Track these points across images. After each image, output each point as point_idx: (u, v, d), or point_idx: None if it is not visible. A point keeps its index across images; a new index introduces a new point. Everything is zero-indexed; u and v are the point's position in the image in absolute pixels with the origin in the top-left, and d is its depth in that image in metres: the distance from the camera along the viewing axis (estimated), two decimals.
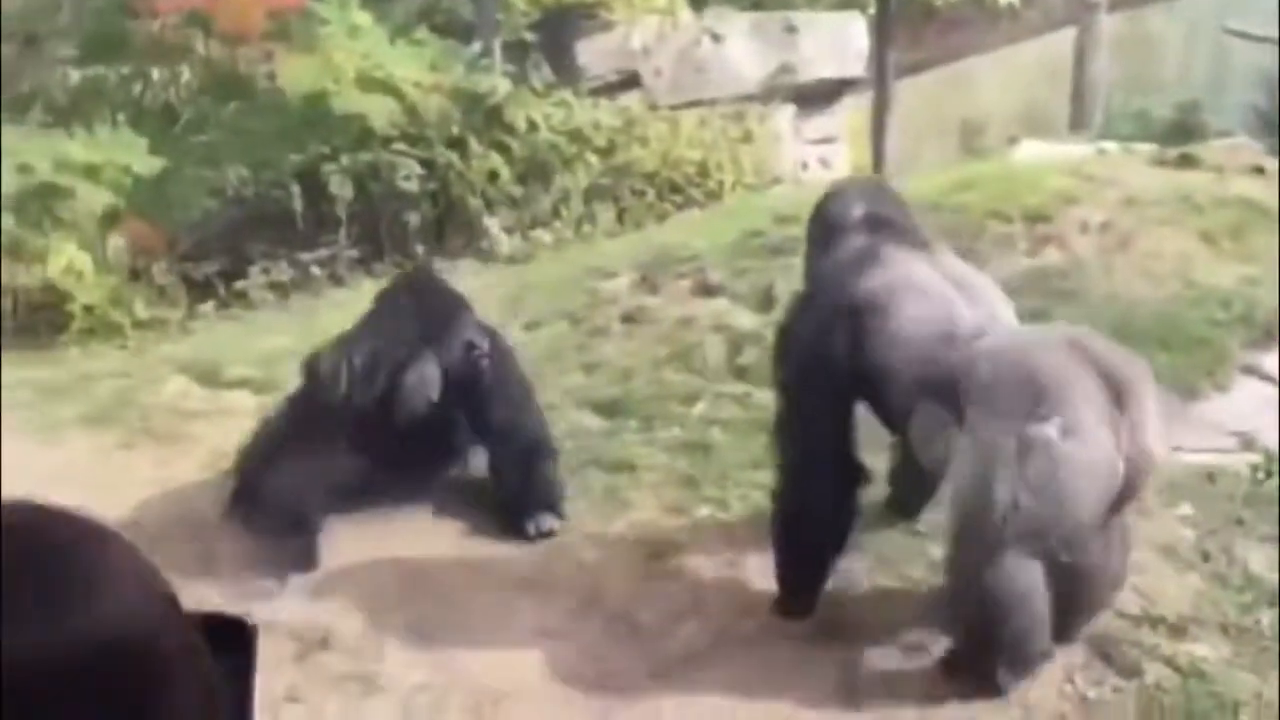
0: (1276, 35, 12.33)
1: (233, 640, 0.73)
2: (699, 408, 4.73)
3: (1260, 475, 3.70)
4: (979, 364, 2.90)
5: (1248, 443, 3.84)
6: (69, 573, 0.65)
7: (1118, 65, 14.42)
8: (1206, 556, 3.33)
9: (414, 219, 7.99)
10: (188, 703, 0.67)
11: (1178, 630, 2.98)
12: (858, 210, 3.33)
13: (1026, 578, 2.73)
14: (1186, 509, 3.54)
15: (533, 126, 8.30)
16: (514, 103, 8.26)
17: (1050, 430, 2.72)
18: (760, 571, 3.44)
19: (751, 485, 4.02)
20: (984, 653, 2.80)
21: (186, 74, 7.47)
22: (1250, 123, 9.49)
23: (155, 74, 7.43)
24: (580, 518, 3.99)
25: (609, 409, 4.83)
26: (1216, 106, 12.24)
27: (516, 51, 8.75)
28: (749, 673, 3.10)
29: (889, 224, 3.28)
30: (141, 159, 6.37)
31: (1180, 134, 11.13)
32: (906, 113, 12.69)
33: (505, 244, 7.98)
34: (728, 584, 3.50)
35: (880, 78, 11.52)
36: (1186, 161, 5.92)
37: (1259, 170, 5.87)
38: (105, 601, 0.65)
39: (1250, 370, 4.30)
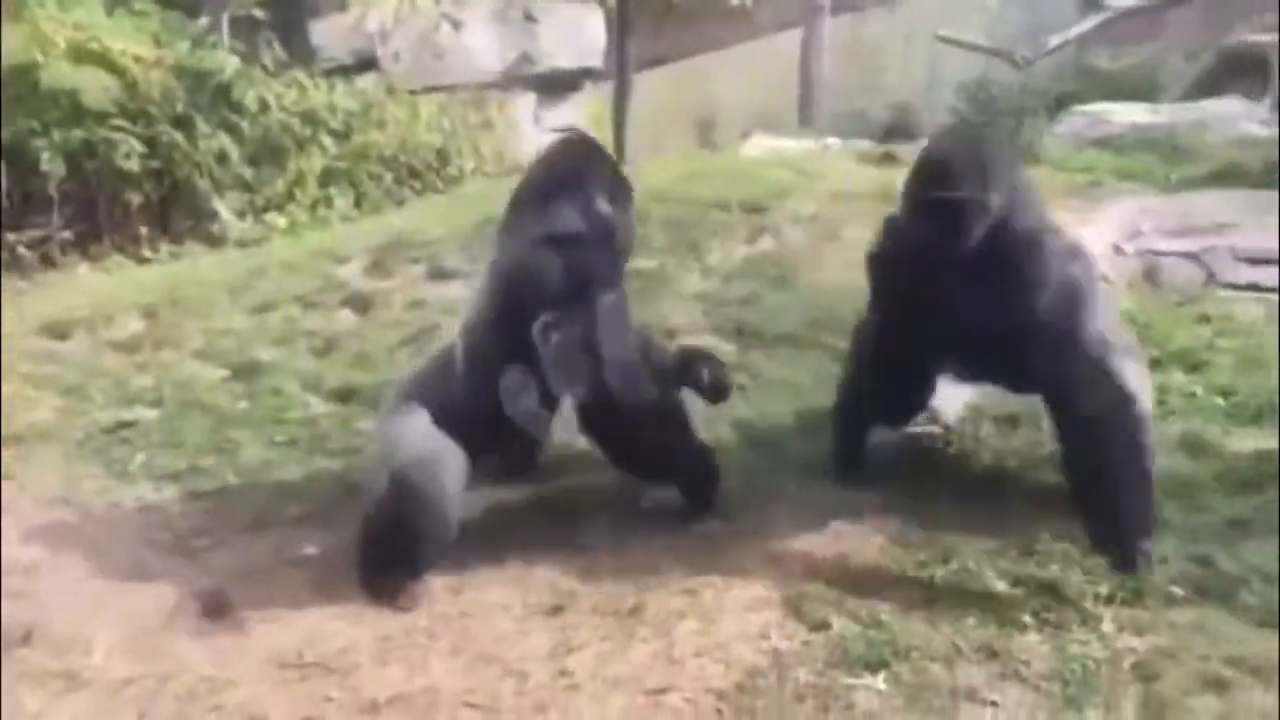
0: (984, 44, 13.39)
1: None
2: None
3: (941, 444, 4.10)
4: None
5: (932, 417, 4.23)
6: None
7: (842, 66, 15.27)
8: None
9: (135, 199, 7.64)
10: None
11: (862, 586, 3.28)
12: None
13: None
14: None
15: (264, 107, 8.08)
16: (244, 81, 8.02)
17: None
18: None
19: None
20: None
21: None
22: None
23: None
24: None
25: (341, 394, 4.81)
26: (929, 108, 13.13)
27: (246, 28, 8.47)
28: None
29: None
30: None
31: (895, 133, 11.92)
32: (646, 105, 13.02)
33: (235, 227, 7.75)
34: None
35: (621, 69, 11.76)
36: (889, 159, 6.42)
37: None
38: None
39: None
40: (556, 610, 3.23)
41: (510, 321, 3.47)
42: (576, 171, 3.57)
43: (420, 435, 3.46)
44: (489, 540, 3.61)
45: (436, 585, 3.40)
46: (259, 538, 3.74)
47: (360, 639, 3.17)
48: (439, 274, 5.76)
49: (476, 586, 3.40)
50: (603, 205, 3.54)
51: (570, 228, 3.48)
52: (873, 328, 3.72)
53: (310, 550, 3.65)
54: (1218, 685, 2.77)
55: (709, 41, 15.08)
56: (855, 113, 13.82)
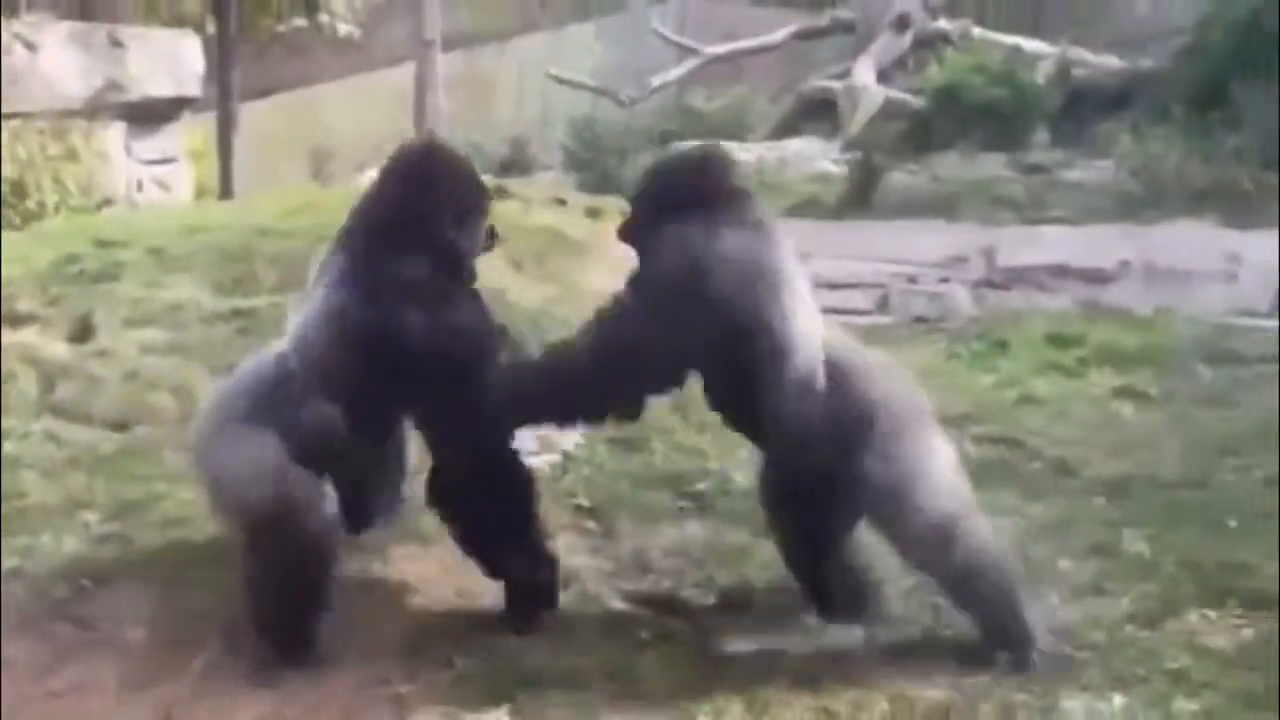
0: (591, 83, 13.95)
1: None
2: (7, 448, 4.30)
3: (559, 472, 4.18)
4: None
5: (549, 445, 4.31)
6: None
7: (457, 101, 15.40)
8: None
9: None
10: None
11: (483, 620, 3.26)
12: None
13: None
14: None
15: None
16: None
17: None
18: None
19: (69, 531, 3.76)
20: None
21: None
22: (563, 160, 10.64)
23: None
24: None
25: None
26: (543, 143, 13.49)
27: None
28: None
29: None
30: None
31: (511, 167, 12.15)
32: (254, 136, 12.53)
33: None
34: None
35: (224, 99, 11.24)
36: (501, 193, 6.48)
37: (561, 202, 6.63)
38: None
39: None
40: (155, 681, 2.98)
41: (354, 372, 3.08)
42: (423, 194, 3.14)
43: (280, 467, 2.99)
44: (84, 610, 3.29)
45: (20, 662, 3.06)
46: None
47: None
48: (13, 319, 5.21)
49: (70, 662, 3.09)
50: (450, 233, 3.15)
51: (416, 272, 3.08)
52: None
53: None
54: (812, 683, 2.97)
55: (319, 72, 14.74)
56: (471, 146, 13.94)
